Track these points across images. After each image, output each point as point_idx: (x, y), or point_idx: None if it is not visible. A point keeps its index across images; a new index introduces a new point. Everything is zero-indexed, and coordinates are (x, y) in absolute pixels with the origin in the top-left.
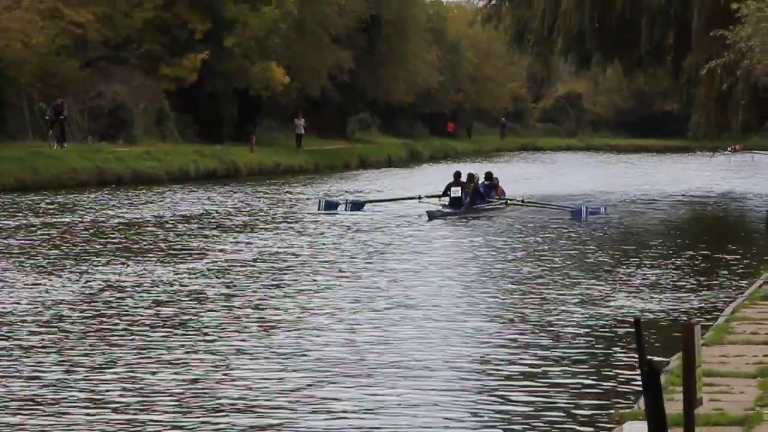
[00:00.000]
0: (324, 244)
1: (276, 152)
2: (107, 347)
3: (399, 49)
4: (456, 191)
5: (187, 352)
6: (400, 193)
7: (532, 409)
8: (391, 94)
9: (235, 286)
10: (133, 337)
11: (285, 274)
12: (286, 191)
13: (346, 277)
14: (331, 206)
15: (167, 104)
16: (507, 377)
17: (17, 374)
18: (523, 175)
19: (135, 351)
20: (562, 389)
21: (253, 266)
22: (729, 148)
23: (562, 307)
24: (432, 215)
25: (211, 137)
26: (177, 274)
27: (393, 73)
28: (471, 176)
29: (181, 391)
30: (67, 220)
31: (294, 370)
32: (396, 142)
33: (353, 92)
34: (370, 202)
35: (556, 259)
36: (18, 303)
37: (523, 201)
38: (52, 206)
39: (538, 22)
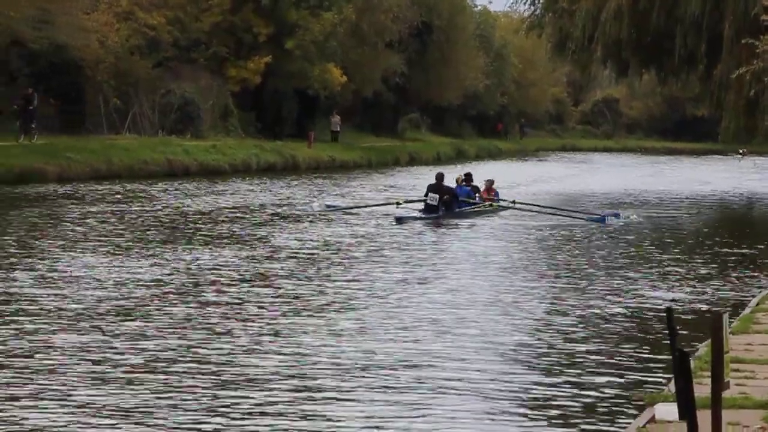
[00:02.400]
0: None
1: (332, 148)
2: (183, 329)
3: (448, 54)
4: (433, 198)
5: (261, 333)
6: (382, 199)
7: (568, 391)
8: (441, 96)
9: (307, 270)
10: (202, 318)
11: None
12: (342, 184)
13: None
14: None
15: (232, 102)
16: (544, 362)
17: (108, 351)
18: (556, 174)
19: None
20: (597, 373)
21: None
22: (740, 152)
23: (598, 298)
24: (400, 220)
25: (272, 133)
26: (243, 259)
27: (442, 77)
28: (469, 178)
29: (266, 370)
30: (140, 208)
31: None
32: (444, 141)
33: (405, 94)
34: (349, 208)
35: (588, 254)
36: (100, 285)
37: (514, 202)
38: (124, 194)
39: (579, 31)
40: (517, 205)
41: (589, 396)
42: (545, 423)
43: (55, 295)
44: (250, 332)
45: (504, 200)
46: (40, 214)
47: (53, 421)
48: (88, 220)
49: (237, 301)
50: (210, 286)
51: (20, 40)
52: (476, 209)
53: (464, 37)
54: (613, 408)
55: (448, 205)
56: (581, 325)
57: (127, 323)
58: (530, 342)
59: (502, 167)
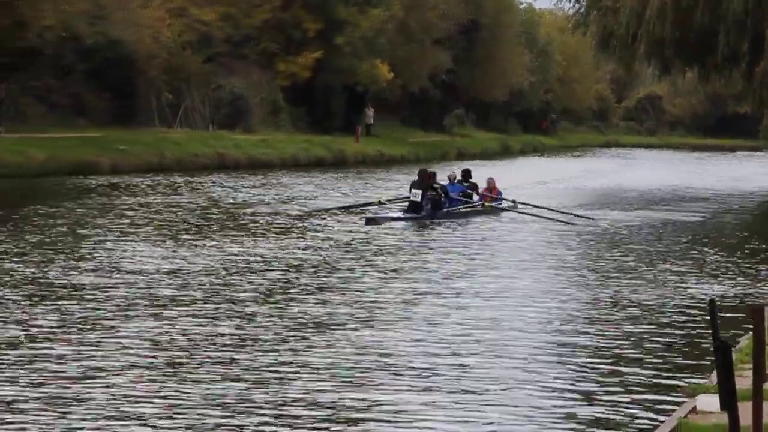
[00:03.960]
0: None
1: (380, 143)
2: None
3: (494, 52)
4: (416, 194)
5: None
6: (366, 198)
7: (611, 381)
8: (486, 93)
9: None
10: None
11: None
12: (388, 179)
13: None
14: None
15: (281, 97)
16: (588, 353)
17: (159, 335)
18: (598, 169)
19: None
20: (640, 364)
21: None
22: None
23: (641, 291)
24: (370, 221)
25: (320, 128)
26: (291, 248)
27: (488, 73)
28: (433, 174)
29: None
30: (190, 199)
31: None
32: (490, 136)
33: (451, 90)
34: (330, 209)
35: (630, 245)
36: (153, 271)
37: (514, 202)
38: (176, 186)
39: (622, 29)
40: (519, 207)
41: (631, 386)
42: (588, 411)
43: (112, 282)
44: (301, 320)
45: (505, 199)
46: (94, 204)
47: (110, 400)
48: (139, 211)
49: (287, 288)
50: (259, 274)
51: (75, 35)
52: (469, 209)
53: (510, 34)
54: (656, 398)
55: (437, 204)
56: (624, 317)
57: (178, 309)
58: (573, 333)
59: (545, 163)
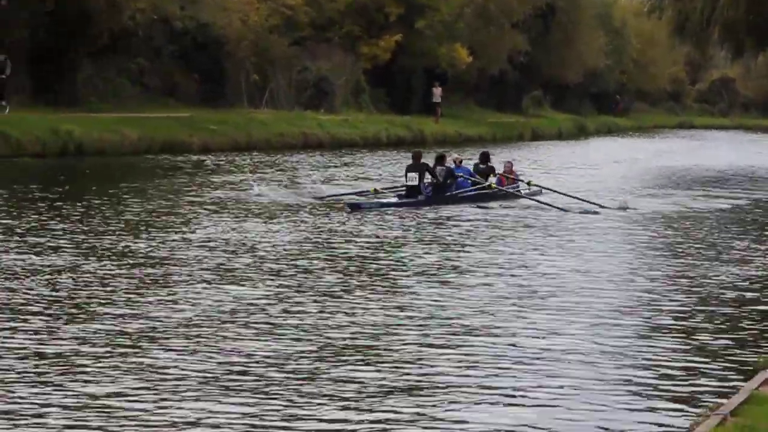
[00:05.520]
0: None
1: (458, 123)
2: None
3: (570, 34)
4: (413, 178)
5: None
6: (359, 186)
7: (684, 353)
8: (562, 75)
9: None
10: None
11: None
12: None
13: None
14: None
15: (364, 78)
16: (661, 326)
17: (225, 297)
18: (666, 150)
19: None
20: (713, 336)
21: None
22: None
23: (715, 267)
24: (354, 207)
25: (401, 109)
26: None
27: (564, 56)
28: (442, 156)
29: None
30: (276, 177)
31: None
32: (565, 117)
33: (528, 72)
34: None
35: (697, 223)
36: (236, 247)
37: (529, 183)
38: (262, 165)
39: (697, 14)
40: (532, 188)
41: (704, 358)
42: (659, 383)
43: (199, 256)
44: (377, 292)
45: (521, 181)
46: (188, 181)
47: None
48: (226, 188)
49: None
50: (341, 248)
51: (166, 18)
52: (477, 193)
53: (585, 17)
54: (728, 370)
55: (440, 188)
56: (696, 292)
57: (262, 282)
58: (646, 306)
59: (618, 143)
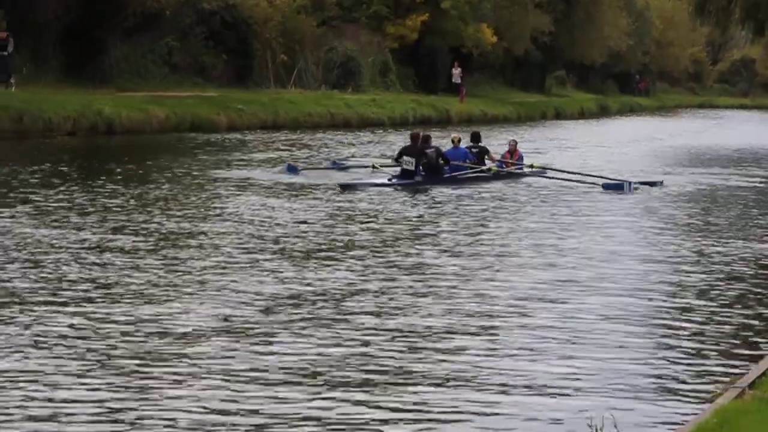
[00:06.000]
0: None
1: (483, 103)
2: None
3: (593, 15)
4: (409, 162)
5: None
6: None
7: (700, 328)
8: (585, 55)
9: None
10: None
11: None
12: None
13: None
14: (292, 170)
15: (390, 58)
16: (681, 303)
17: (264, 276)
18: (687, 129)
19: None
20: (732, 311)
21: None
22: None
23: (726, 245)
24: (345, 187)
25: (427, 88)
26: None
27: (587, 36)
28: (427, 137)
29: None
30: (306, 155)
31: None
32: (588, 97)
33: (552, 52)
34: (325, 169)
35: (723, 208)
36: (266, 224)
37: (531, 167)
38: (290, 144)
39: None
40: (535, 170)
41: (719, 335)
42: (676, 356)
43: (231, 232)
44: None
45: (524, 165)
46: (218, 159)
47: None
48: (254, 165)
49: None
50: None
51: None
52: (474, 175)
53: None
54: (749, 346)
55: (434, 170)
56: (717, 270)
57: (288, 259)
58: (668, 282)
59: (639, 123)
